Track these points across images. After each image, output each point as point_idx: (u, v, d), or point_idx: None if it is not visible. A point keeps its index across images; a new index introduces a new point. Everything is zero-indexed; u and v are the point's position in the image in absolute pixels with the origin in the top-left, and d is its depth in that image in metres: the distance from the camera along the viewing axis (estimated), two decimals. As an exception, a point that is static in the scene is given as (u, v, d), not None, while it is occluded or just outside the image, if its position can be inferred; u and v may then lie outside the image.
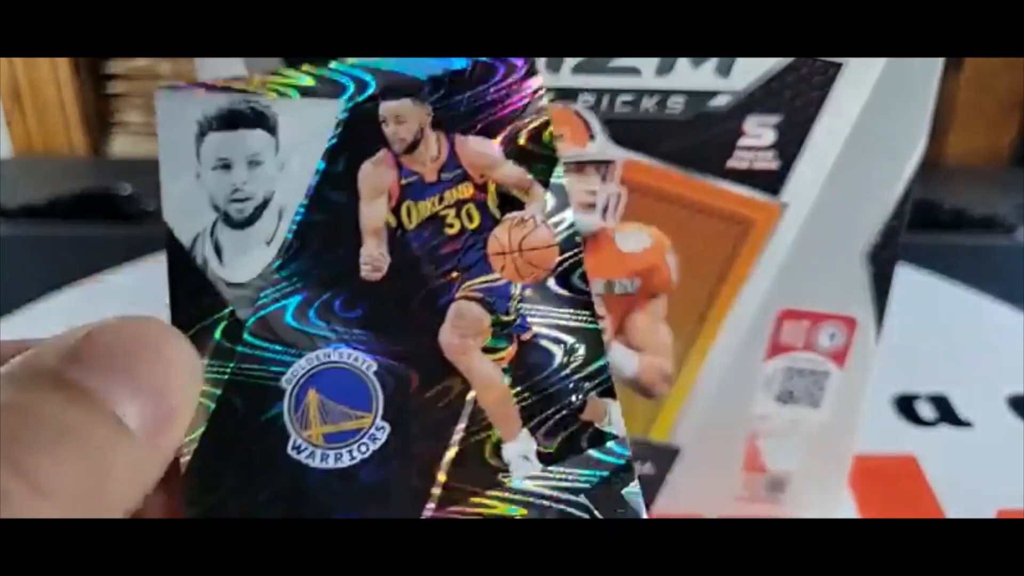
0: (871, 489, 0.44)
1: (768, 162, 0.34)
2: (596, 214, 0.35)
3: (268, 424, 0.21)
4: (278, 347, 0.22)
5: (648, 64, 0.32)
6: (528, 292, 0.22)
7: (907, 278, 0.46)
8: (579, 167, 0.34)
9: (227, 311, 0.22)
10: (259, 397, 0.21)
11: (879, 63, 0.32)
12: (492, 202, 0.23)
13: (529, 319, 0.22)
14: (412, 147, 0.22)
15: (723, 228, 0.35)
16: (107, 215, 0.78)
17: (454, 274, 0.22)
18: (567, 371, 0.22)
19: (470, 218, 0.22)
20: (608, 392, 0.22)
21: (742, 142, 0.33)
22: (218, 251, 0.22)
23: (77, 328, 0.18)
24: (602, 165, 0.34)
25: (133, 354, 0.18)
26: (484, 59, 0.23)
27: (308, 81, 0.23)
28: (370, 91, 0.23)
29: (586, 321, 0.22)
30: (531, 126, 0.23)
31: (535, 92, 0.23)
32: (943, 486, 0.45)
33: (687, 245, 0.36)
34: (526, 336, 0.22)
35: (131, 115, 1.03)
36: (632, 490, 0.21)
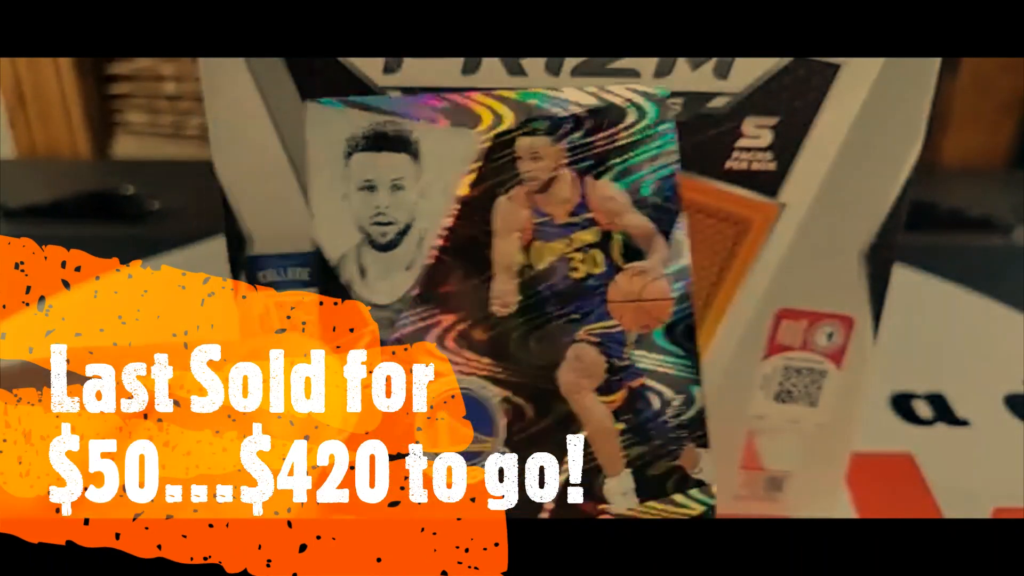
0: (868, 487, 0.45)
1: (766, 163, 0.34)
2: (596, 214, 0.35)
3: None
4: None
5: (647, 65, 0.33)
6: (639, 341, 0.24)
7: (904, 278, 0.46)
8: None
9: (369, 330, 0.23)
10: None
11: (876, 64, 0.32)
12: (617, 250, 0.24)
13: (638, 366, 0.24)
14: (546, 186, 0.24)
15: (721, 228, 0.36)
16: (110, 216, 0.79)
17: (575, 316, 0.24)
18: (668, 420, 0.24)
19: (595, 263, 0.24)
20: (703, 443, 0.24)
21: (740, 143, 0.34)
22: (362, 272, 0.23)
23: None
24: (602, 166, 0.34)
25: None
26: (617, 103, 0.24)
27: (439, 103, 0.24)
28: (506, 124, 0.24)
29: (690, 375, 0.24)
30: (659, 175, 0.24)
31: (667, 139, 0.24)
32: (940, 484, 0.45)
33: (686, 245, 0.36)
34: (635, 383, 0.24)
35: (134, 116, 1.03)
36: None
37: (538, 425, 0.23)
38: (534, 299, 0.24)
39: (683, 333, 0.24)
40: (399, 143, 0.23)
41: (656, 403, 0.24)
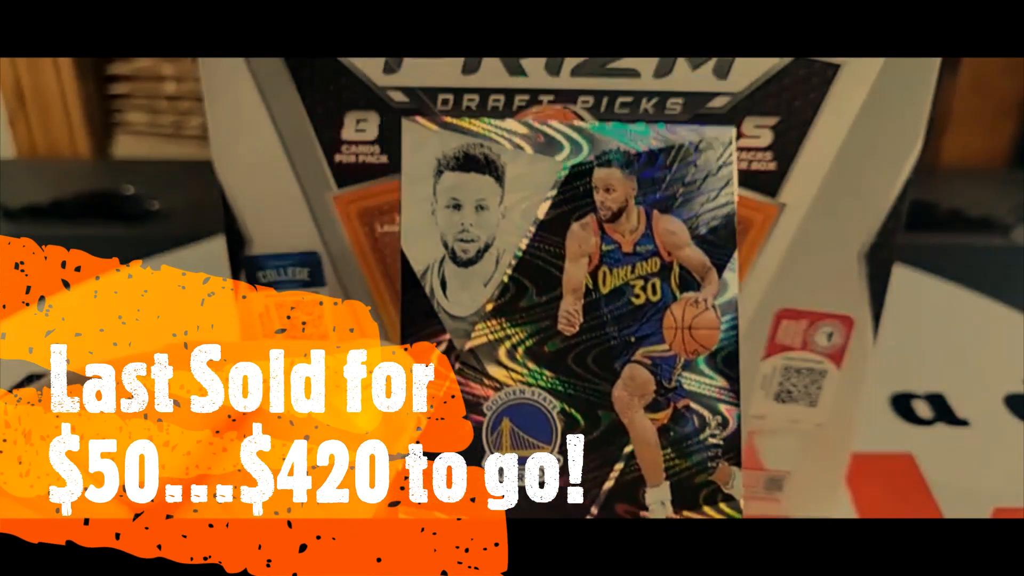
0: (869, 487, 0.45)
1: (766, 163, 0.34)
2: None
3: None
4: (484, 377, 0.25)
5: (647, 66, 0.33)
6: (687, 365, 0.26)
7: (904, 278, 0.46)
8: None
9: (445, 338, 0.25)
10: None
11: (876, 65, 0.32)
12: (674, 280, 0.26)
13: (684, 388, 0.26)
14: (616, 216, 0.26)
15: (721, 228, 0.36)
16: (110, 216, 0.79)
17: (632, 339, 0.26)
18: (707, 438, 0.26)
19: (654, 291, 0.26)
20: (736, 461, 0.27)
21: (740, 143, 0.34)
22: (443, 285, 0.25)
23: None
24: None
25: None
26: (686, 143, 0.27)
27: (524, 130, 0.26)
28: (584, 154, 0.26)
29: (730, 399, 0.27)
30: (718, 213, 0.27)
31: (727, 180, 0.27)
32: (940, 484, 0.45)
33: (686, 245, 0.36)
34: (680, 403, 0.26)
35: (134, 116, 1.04)
36: None
37: (589, 435, 0.26)
38: (597, 320, 0.26)
39: (725, 360, 0.27)
40: (487, 166, 0.25)
41: (696, 422, 0.26)
